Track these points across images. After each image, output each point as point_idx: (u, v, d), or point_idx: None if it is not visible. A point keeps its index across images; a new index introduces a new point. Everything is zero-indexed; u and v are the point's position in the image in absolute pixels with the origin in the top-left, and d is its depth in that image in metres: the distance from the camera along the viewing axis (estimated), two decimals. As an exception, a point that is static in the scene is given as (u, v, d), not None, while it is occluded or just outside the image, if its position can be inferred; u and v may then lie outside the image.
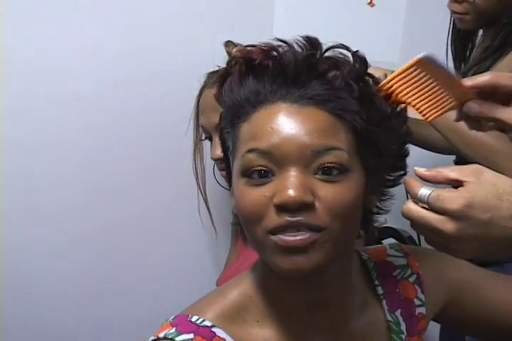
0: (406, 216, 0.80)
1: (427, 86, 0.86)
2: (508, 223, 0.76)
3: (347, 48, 0.86)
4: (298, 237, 0.76)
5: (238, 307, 0.88)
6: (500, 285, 1.02)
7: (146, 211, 1.81)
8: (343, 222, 0.79)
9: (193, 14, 1.74)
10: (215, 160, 1.44)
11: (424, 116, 0.88)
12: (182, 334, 0.83)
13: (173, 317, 0.87)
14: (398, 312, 0.96)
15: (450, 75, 0.86)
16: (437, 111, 0.88)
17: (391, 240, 1.64)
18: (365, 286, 0.97)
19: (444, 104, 0.88)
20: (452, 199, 0.75)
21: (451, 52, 1.70)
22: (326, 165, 0.78)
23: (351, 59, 0.86)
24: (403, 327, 0.96)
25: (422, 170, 0.81)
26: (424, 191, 0.77)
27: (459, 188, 0.77)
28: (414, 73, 0.84)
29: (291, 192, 0.75)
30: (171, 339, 0.83)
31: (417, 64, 0.83)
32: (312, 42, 0.85)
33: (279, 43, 0.86)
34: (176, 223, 1.84)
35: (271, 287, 0.89)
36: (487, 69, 1.52)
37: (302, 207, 0.76)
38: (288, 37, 1.66)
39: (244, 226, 0.83)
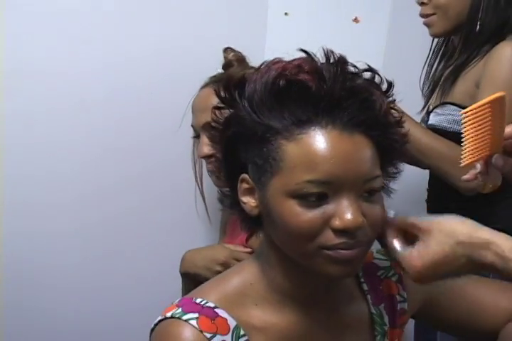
0: None
1: (484, 127, 0.85)
2: (459, 262, 0.84)
3: (375, 72, 0.92)
4: (351, 252, 0.85)
5: (239, 292, 0.94)
6: (478, 286, 1.09)
7: (145, 202, 1.88)
8: (376, 233, 0.90)
9: (193, 26, 1.83)
10: (202, 157, 1.50)
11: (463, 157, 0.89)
12: (187, 313, 0.89)
13: (178, 299, 0.94)
14: (382, 306, 1.03)
15: (504, 122, 0.85)
16: (473, 157, 0.88)
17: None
18: (352, 282, 1.04)
19: (481, 151, 0.88)
20: (408, 263, 0.86)
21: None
22: (369, 189, 0.86)
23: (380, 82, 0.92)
24: (386, 319, 1.03)
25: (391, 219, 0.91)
26: (395, 245, 0.89)
27: (414, 248, 0.87)
28: (485, 111, 0.83)
29: (351, 217, 0.83)
30: (178, 318, 0.89)
31: (494, 102, 0.83)
32: (345, 63, 0.89)
33: (312, 59, 0.90)
34: (174, 213, 1.90)
35: (278, 278, 0.95)
36: (448, 86, 1.61)
37: (359, 230, 0.84)
38: (279, 49, 1.74)
39: (289, 240, 0.88)
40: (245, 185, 0.92)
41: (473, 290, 1.08)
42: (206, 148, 1.44)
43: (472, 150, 0.88)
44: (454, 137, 1.41)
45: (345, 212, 0.83)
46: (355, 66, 0.91)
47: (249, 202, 0.92)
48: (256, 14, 1.88)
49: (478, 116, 0.84)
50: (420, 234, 0.87)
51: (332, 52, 0.90)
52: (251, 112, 0.88)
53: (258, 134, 0.87)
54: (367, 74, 0.92)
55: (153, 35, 1.80)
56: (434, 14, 1.60)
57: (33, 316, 1.84)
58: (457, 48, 1.64)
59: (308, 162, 0.84)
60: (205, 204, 1.70)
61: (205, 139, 1.45)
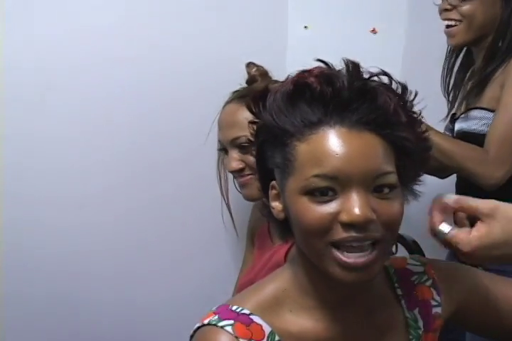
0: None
1: None
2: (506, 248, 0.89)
3: (388, 75, 0.94)
4: (361, 259, 0.87)
5: (273, 299, 0.96)
6: (509, 286, 1.09)
7: (173, 217, 1.90)
8: (393, 233, 0.91)
9: (215, 41, 1.86)
10: (232, 172, 1.51)
11: None
12: (223, 320, 0.92)
13: (216, 307, 0.96)
14: (416, 311, 1.05)
15: None
16: None
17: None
18: (386, 287, 1.05)
19: None
20: (465, 242, 0.88)
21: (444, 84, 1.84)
22: (381, 185, 0.88)
23: (394, 84, 0.94)
24: (420, 323, 1.04)
25: (449, 200, 0.94)
26: (444, 228, 0.90)
27: (474, 228, 0.90)
28: None
29: (358, 211, 0.84)
30: (214, 324, 0.91)
31: None
32: (356, 67, 0.92)
33: (326, 67, 0.94)
34: (201, 226, 1.93)
35: (309, 282, 0.97)
36: (475, 93, 1.67)
37: (367, 224, 0.86)
38: (300, 62, 1.78)
39: (303, 238, 0.91)
40: (274, 191, 0.95)
41: (505, 291, 1.09)
42: (235, 163, 1.47)
43: None
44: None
45: (353, 206, 0.85)
46: (369, 72, 0.94)
47: (276, 206, 0.95)
48: (276, 28, 1.92)
49: None
50: (483, 217, 0.91)
51: (348, 60, 0.93)
52: (271, 119, 0.92)
53: (278, 139, 0.91)
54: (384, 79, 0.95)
55: (176, 52, 1.84)
56: (459, 22, 1.64)
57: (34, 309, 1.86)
58: (478, 58, 1.71)
59: (315, 158, 0.87)
60: (231, 217, 1.71)
61: (233, 154, 1.47)
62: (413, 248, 1.69)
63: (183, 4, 1.83)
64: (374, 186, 0.87)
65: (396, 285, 1.06)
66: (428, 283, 1.07)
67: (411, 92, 0.95)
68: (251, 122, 0.99)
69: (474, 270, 1.12)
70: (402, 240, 1.69)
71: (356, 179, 0.86)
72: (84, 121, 1.81)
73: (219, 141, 1.55)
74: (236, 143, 1.47)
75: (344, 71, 0.91)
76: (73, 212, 1.83)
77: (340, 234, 0.86)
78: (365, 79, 0.92)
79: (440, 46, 1.83)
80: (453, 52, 1.83)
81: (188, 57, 1.85)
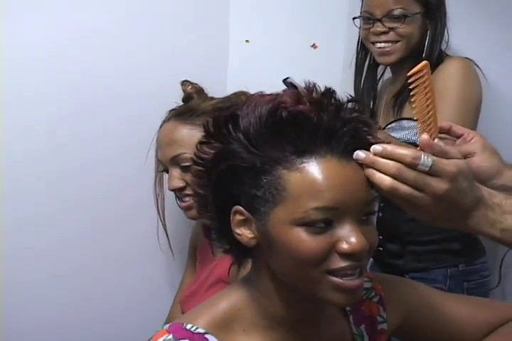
0: (400, 176, 0.86)
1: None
2: (471, 194, 0.89)
3: (358, 102, 0.97)
4: (356, 282, 0.88)
5: (227, 318, 0.95)
6: (455, 302, 1.12)
7: (107, 234, 1.86)
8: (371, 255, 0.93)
9: (157, 58, 1.84)
10: (173, 190, 1.49)
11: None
12: (179, 339, 0.90)
13: (168, 325, 0.94)
14: (363, 327, 1.06)
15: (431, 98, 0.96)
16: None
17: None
18: None
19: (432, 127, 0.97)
20: (450, 164, 0.86)
21: (361, 91, 1.93)
22: (367, 212, 0.90)
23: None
24: (366, 339, 1.06)
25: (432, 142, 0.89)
26: (427, 156, 0.86)
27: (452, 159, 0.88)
28: (425, 77, 0.93)
29: (357, 241, 0.86)
30: None
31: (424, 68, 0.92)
32: (332, 94, 0.92)
33: (305, 91, 0.91)
34: (136, 247, 1.89)
35: (267, 303, 0.96)
36: (403, 103, 1.75)
37: (364, 253, 0.87)
38: (241, 75, 1.77)
39: (293, 267, 0.89)
40: (239, 217, 0.93)
41: (449, 306, 1.11)
42: (176, 181, 1.46)
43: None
44: None
45: (351, 236, 0.86)
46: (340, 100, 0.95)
47: (244, 233, 0.93)
48: (218, 41, 1.92)
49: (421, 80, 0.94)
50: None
51: (315, 84, 0.93)
52: (247, 145, 0.89)
53: (256, 166, 0.89)
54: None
55: (111, 68, 1.80)
56: (397, 42, 1.75)
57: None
58: (400, 72, 1.82)
59: (313, 190, 0.86)
60: (167, 237, 1.69)
61: (174, 172, 1.46)
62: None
63: (120, 18, 1.80)
64: (363, 213, 0.89)
65: None
66: (375, 299, 1.08)
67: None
68: (201, 143, 0.96)
69: (420, 285, 1.14)
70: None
71: (351, 209, 0.87)
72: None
73: (158, 160, 1.54)
74: (176, 162, 1.46)
75: (325, 98, 0.91)
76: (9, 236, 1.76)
77: (338, 263, 0.87)
78: (343, 107, 0.92)
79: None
80: (362, 67, 1.94)
81: (125, 73, 1.81)
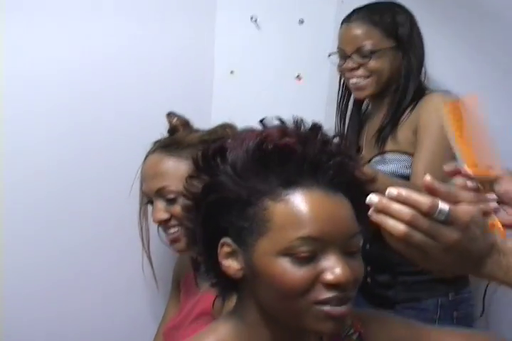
0: (415, 224, 0.82)
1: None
2: (484, 241, 0.87)
3: (343, 137, 0.99)
4: (343, 310, 0.88)
5: None
6: (443, 335, 1.10)
7: (91, 266, 1.85)
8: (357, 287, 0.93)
9: (141, 89, 1.85)
10: (158, 222, 1.48)
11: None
12: None
13: None
14: None
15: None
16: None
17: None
18: (316, 338, 1.04)
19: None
20: (464, 212, 0.84)
21: (348, 126, 1.96)
22: (352, 245, 0.91)
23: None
24: None
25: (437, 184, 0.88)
26: (444, 204, 0.83)
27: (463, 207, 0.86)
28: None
29: (342, 272, 0.87)
30: None
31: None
32: (318, 129, 0.95)
33: (291, 125, 0.95)
34: (120, 277, 1.88)
35: (253, 335, 0.96)
36: (387, 137, 1.77)
37: (349, 284, 0.88)
38: (226, 106, 1.77)
39: (279, 298, 0.90)
40: (226, 249, 0.94)
41: (437, 339, 1.10)
42: (161, 214, 1.45)
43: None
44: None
45: (336, 266, 0.87)
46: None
47: (231, 265, 0.94)
48: (203, 72, 1.93)
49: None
50: None
51: (302, 120, 0.95)
52: (235, 177, 0.91)
53: (243, 198, 0.91)
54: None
55: (96, 102, 1.81)
56: (368, 77, 1.77)
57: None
58: (379, 106, 1.86)
59: (298, 220, 0.88)
60: (152, 269, 1.68)
61: (159, 205, 1.45)
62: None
63: (107, 52, 1.81)
64: (348, 245, 0.90)
65: (324, 339, 1.06)
66: (354, 337, 1.07)
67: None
68: (190, 177, 0.98)
69: (405, 321, 1.12)
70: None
71: (336, 240, 0.88)
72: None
73: (143, 192, 1.53)
74: (161, 194, 1.45)
75: (311, 133, 0.94)
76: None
77: (324, 294, 0.87)
78: (329, 141, 0.94)
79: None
80: (344, 102, 1.97)
81: (110, 104, 1.82)
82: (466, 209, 0.86)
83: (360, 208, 0.92)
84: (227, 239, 0.94)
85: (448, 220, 0.83)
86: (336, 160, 0.92)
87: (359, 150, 1.93)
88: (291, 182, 0.89)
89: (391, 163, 1.76)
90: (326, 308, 0.88)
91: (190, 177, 0.98)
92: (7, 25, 1.69)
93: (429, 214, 0.82)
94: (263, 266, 0.89)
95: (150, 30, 1.85)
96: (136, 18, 1.83)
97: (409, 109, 1.76)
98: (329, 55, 1.86)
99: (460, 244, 0.85)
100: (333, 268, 0.87)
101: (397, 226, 0.83)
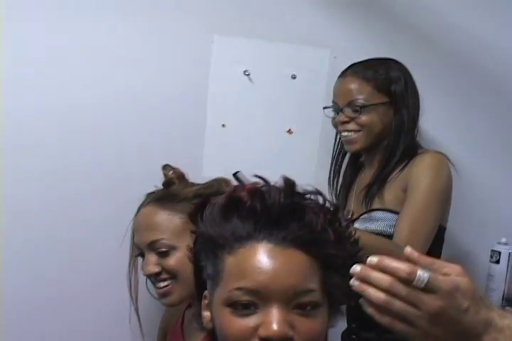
0: (393, 291, 0.81)
1: None
2: (477, 316, 0.83)
3: (321, 194, 0.98)
4: None
5: None
6: None
7: (79, 319, 1.84)
8: None
9: (133, 140, 1.87)
10: (147, 275, 1.46)
11: None
12: None
13: None
14: None
15: None
16: None
17: None
18: None
19: None
20: (446, 280, 0.81)
21: (344, 179, 1.97)
22: (302, 303, 0.89)
23: (323, 203, 0.97)
24: None
25: (416, 254, 0.84)
26: (423, 272, 0.80)
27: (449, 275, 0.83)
28: None
29: (276, 327, 0.85)
30: None
31: None
32: (291, 186, 0.95)
33: (261, 182, 0.96)
34: (106, 327, 1.86)
35: None
36: (374, 195, 1.78)
37: (283, 340, 0.86)
38: (217, 160, 1.78)
39: None
40: (205, 301, 0.97)
41: None
42: (152, 267, 1.43)
43: None
44: (390, 239, 1.65)
45: (271, 321, 0.86)
46: (304, 190, 0.98)
47: (206, 316, 0.97)
48: (194, 125, 1.95)
49: None
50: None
51: (286, 177, 0.96)
52: (205, 230, 0.95)
53: (210, 250, 0.94)
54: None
55: (87, 147, 1.84)
56: (358, 131, 1.78)
57: None
58: (371, 161, 1.87)
59: (240, 271, 0.89)
60: (139, 321, 1.64)
61: (150, 257, 1.44)
62: None
63: (101, 106, 1.85)
64: (295, 303, 0.89)
65: None
66: None
67: (342, 210, 0.98)
68: (192, 232, 1.01)
69: None
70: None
71: (277, 295, 0.87)
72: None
73: (134, 243, 1.51)
74: (153, 247, 1.43)
75: (275, 188, 0.94)
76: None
77: None
78: (297, 197, 0.95)
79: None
80: (339, 156, 1.98)
81: (101, 158, 1.85)
82: (449, 279, 0.83)
83: (327, 266, 0.93)
84: (206, 292, 0.97)
85: (429, 288, 0.81)
86: (295, 216, 0.92)
87: (345, 206, 1.93)
88: (244, 237, 0.91)
89: (377, 221, 1.75)
90: None
91: (192, 232, 1.01)
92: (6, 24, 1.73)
93: (407, 280, 0.81)
94: (216, 315, 0.92)
95: (143, 84, 1.89)
96: (130, 74, 1.88)
97: (400, 166, 1.77)
98: (324, 108, 1.89)
99: (446, 313, 0.82)
100: (268, 323, 0.86)
101: (377, 294, 0.82)
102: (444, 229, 1.80)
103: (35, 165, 1.81)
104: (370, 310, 0.84)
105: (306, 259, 0.91)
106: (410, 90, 1.81)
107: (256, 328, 0.87)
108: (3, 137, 1.77)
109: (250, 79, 2.01)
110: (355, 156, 1.97)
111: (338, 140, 1.96)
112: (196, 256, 0.99)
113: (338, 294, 0.95)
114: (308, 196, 0.97)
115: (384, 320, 0.84)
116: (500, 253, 1.89)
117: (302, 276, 0.90)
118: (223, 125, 1.98)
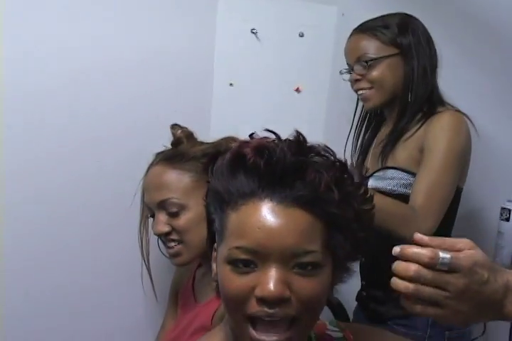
0: (419, 279, 0.83)
1: None
2: (496, 282, 0.86)
3: (329, 151, 0.96)
4: (271, 338, 0.87)
5: None
6: None
7: (91, 278, 1.85)
8: (314, 311, 0.92)
9: (141, 101, 1.85)
10: (158, 235, 1.47)
11: None
12: None
13: None
14: None
15: None
16: None
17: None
18: None
19: None
20: (466, 257, 0.84)
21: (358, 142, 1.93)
22: (302, 263, 0.88)
23: (332, 161, 0.94)
24: None
25: (426, 238, 0.86)
26: (444, 253, 0.83)
27: (465, 251, 0.85)
28: None
29: (271, 287, 0.85)
30: None
31: None
32: (299, 143, 0.93)
33: (270, 139, 0.94)
34: (119, 290, 1.88)
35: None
36: (389, 153, 1.74)
37: (280, 301, 0.86)
38: (225, 119, 1.77)
39: (225, 306, 0.93)
40: (215, 253, 0.97)
41: None
42: (162, 226, 1.44)
43: None
44: (400, 199, 1.61)
45: (267, 281, 0.86)
46: (311, 147, 0.95)
47: (213, 269, 0.97)
48: (202, 84, 1.92)
49: None
50: None
51: (298, 132, 0.94)
52: (214, 184, 0.95)
53: (218, 204, 0.94)
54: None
55: (96, 110, 1.81)
56: (371, 88, 1.74)
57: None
58: (390, 117, 1.81)
59: (240, 229, 0.89)
60: (151, 280, 1.66)
61: (160, 217, 1.45)
62: (337, 310, 1.73)
63: (105, 60, 1.81)
64: (295, 263, 0.88)
65: None
66: None
67: (352, 169, 0.96)
68: (207, 181, 1.00)
69: (392, 335, 1.13)
70: (328, 302, 1.68)
71: (275, 255, 0.87)
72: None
73: (144, 204, 1.52)
74: (163, 206, 1.44)
75: (280, 145, 0.92)
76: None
77: (254, 307, 0.87)
78: (303, 155, 0.92)
79: (361, 106, 1.92)
80: (365, 116, 1.94)
81: (109, 116, 1.82)
82: (467, 254, 0.85)
83: (333, 226, 0.92)
84: (215, 244, 0.97)
85: (452, 268, 0.83)
86: (299, 175, 0.90)
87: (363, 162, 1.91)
88: (248, 193, 0.90)
89: (389, 180, 1.72)
90: (253, 333, 0.88)
91: (208, 182, 1.00)
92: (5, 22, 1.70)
93: (431, 265, 0.83)
94: (218, 271, 0.93)
95: (149, 42, 1.86)
96: (136, 31, 1.84)
97: (417, 125, 1.71)
98: (340, 73, 1.84)
99: (470, 289, 0.85)
100: (264, 282, 0.86)
101: (405, 285, 0.84)
102: (461, 189, 1.77)
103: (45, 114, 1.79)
104: (402, 302, 0.87)
105: (308, 219, 0.89)
106: (421, 41, 1.74)
107: (254, 287, 0.87)
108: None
109: (258, 38, 1.98)
110: (376, 113, 1.92)
111: (357, 100, 1.91)
112: (208, 208, 0.99)
113: (342, 254, 0.94)
114: (316, 153, 0.95)
115: (416, 309, 0.87)
116: (510, 210, 1.88)
117: (303, 236, 0.88)
118: (231, 84, 1.95)
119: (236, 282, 0.88)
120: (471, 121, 1.72)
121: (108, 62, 1.81)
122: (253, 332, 0.88)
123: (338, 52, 1.86)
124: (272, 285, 0.85)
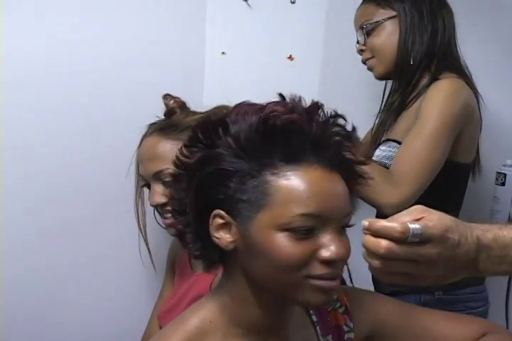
0: (388, 254, 0.83)
1: None
2: (467, 243, 0.87)
3: (343, 117, 0.97)
4: (334, 284, 0.91)
5: (199, 332, 0.96)
6: (427, 315, 1.14)
7: (89, 249, 1.87)
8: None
9: (133, 70, 1.84)
10: (154, 206, 1.47)
11: None
12: None
13: None
14: (330, 337, 1.08)
15: None
16: None
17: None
18: (304, 313, 1.09)
19: None
20: (437, 225, 0.84)
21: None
22: (345, 225, 0.94)
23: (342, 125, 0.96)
24: None
25: (380, 223, 0.84)
26: (414, 225, 0.82)
27: (430, 219, 0.84)
28: None
29: (338, 249, 0.89)
30: None
31: None
32: (321, 107, 0.95)
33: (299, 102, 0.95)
34: (118, 261, 1.90)
35: (240, 312, 0.97)
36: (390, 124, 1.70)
37: (343, 261, 0.92)
38: (218, 87, 1.74)
39: (272, 271, 0.90)
40: (219, 221, 0.94)
41: (420, 319, 1.12)
42: (158, 197, 1.44)
43: None
44: None
45: (333, 244, 0.89)
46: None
47: (223, 237, 0.94)
48: (194, 53, 1.91)
49: None
50: None
51: (300, 97, 0.96)
52: (237, 150, 0.91)
53: (244, 170, 0.91)
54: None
55: (88, 83, 1.82)
56: (372, 57, 1.69)
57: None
58: (395, 88, 1.74)
59: (299, 197, 0.88)
60: (149, 251, 1.66)
61: (156, 188, 1.44)
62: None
63: (97, 32, 1.81)
64: (343, 224, 0.93)
65: (311, 311, 1.10)
66: (341, 310, 1.11)
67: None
68: (185, 146, 0.98)
69: (391, 299, 1.16)
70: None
71: (335, 218, 0.90)
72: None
73: (139, 175, 1.51)
74: (159, 177, 1.43)
75: (315, 111, 0.93)
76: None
77: (319, 269, 0.90)
78: (332, 121, 0.94)
79: (355, 73, 1.91)
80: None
81: (102, 87, 1.82)
82: (435, 221, 0.85)
83: (352, 189, 0.97)
84: (220, 211, 0.93)
85: (423, 239, 0.83)
86: (336, 139, 0.93)
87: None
88: (294, 159, 0.90)
89: (382, 152, 1.67)
90: (319, 282, 0.90)
91: (185, 146, 0.98)
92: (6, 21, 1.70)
93: (402, 239, 0.82)
94: (261, 239, 0.90)
95: (140, 12, 1.84)
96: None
97: (416, 91, 1.64)
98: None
99: (444, 256, 0.85)
100: (328, 245, 0.89)
101: (374, 262, 0.86)
102: (467, 166, 1.71)
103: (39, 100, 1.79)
104: (371, 271, 0.88)
105: (343, 182, 0.94)
106: (418, 1, 1.64)
107: (314, 251, 0.89)
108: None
109: (249, 5, 1.96)
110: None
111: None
112: (208, 175, 0.93)
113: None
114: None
115: (386, 279, 0.89)
116: (505, 175, 1.87)
117: (348, 199, 0.93)
118: (223, 52, 1.94)
119: (297, 247, 0.88)
120: (475, 89, 1.65)
121: (100, 33, 1.81)
122: (319, 283, 0.90)
123: (331, 19, 1.84)
124: (337, 247, 0.89)
